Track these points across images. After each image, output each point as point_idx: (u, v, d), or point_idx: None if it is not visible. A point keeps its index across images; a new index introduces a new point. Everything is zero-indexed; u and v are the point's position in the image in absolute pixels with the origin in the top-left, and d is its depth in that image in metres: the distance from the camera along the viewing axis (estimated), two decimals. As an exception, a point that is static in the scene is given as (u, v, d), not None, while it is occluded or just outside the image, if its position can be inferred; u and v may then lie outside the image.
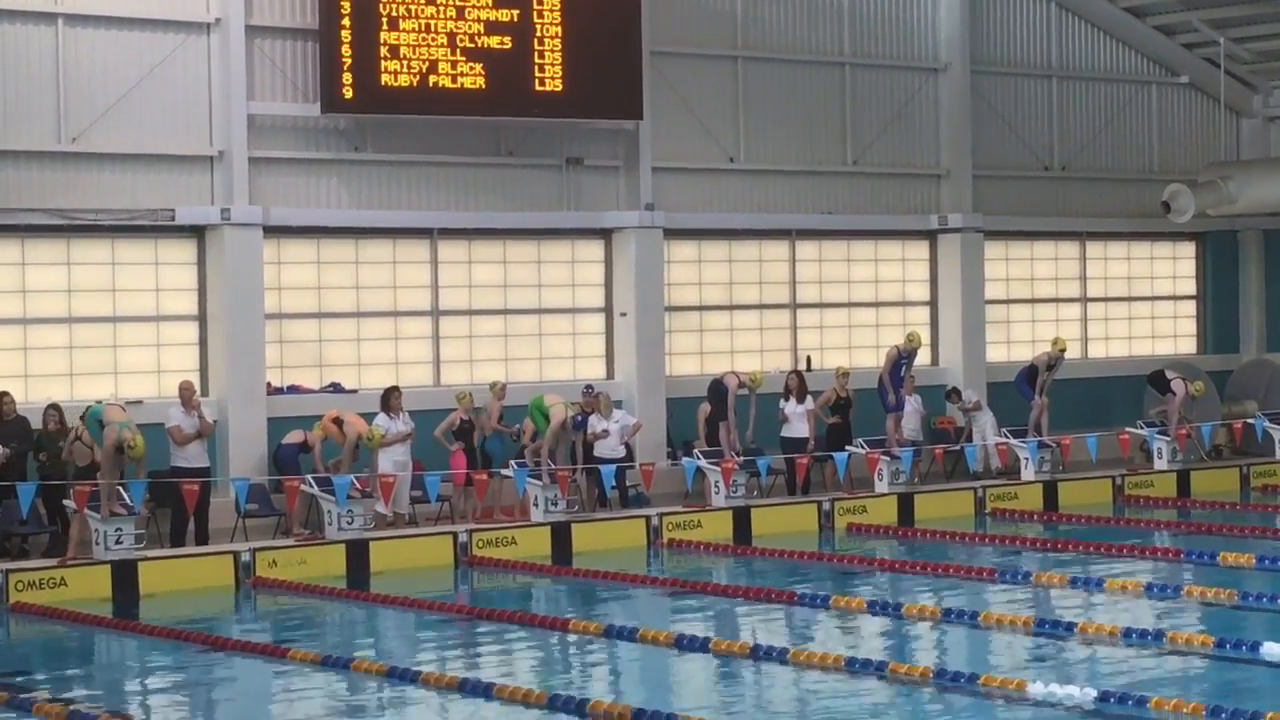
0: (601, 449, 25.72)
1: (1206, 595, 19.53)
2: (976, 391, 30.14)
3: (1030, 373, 29.41)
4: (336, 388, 26.12)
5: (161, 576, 21.41)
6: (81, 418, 22.67)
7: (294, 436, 24.38)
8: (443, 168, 27.18)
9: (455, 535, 23.28)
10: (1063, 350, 29.48)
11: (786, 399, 27.52)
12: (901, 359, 28.24)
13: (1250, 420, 30.11)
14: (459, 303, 27.52)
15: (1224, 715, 13.97)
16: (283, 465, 24.16)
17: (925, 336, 31.73)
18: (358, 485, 23.18)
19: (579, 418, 25.70)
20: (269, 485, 24.15)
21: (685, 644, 17.41)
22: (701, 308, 29.79)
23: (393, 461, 24.21)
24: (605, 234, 28.53)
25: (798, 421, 27.36)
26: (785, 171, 30.37)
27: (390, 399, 24.71)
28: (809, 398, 27.50)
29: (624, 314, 28.34)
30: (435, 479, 23.84)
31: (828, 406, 28.02)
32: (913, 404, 29.00)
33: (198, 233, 25.35)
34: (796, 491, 26.83)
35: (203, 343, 25.43)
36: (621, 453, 25.91)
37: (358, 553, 22.62)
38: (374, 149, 26.66)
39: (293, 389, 25.95)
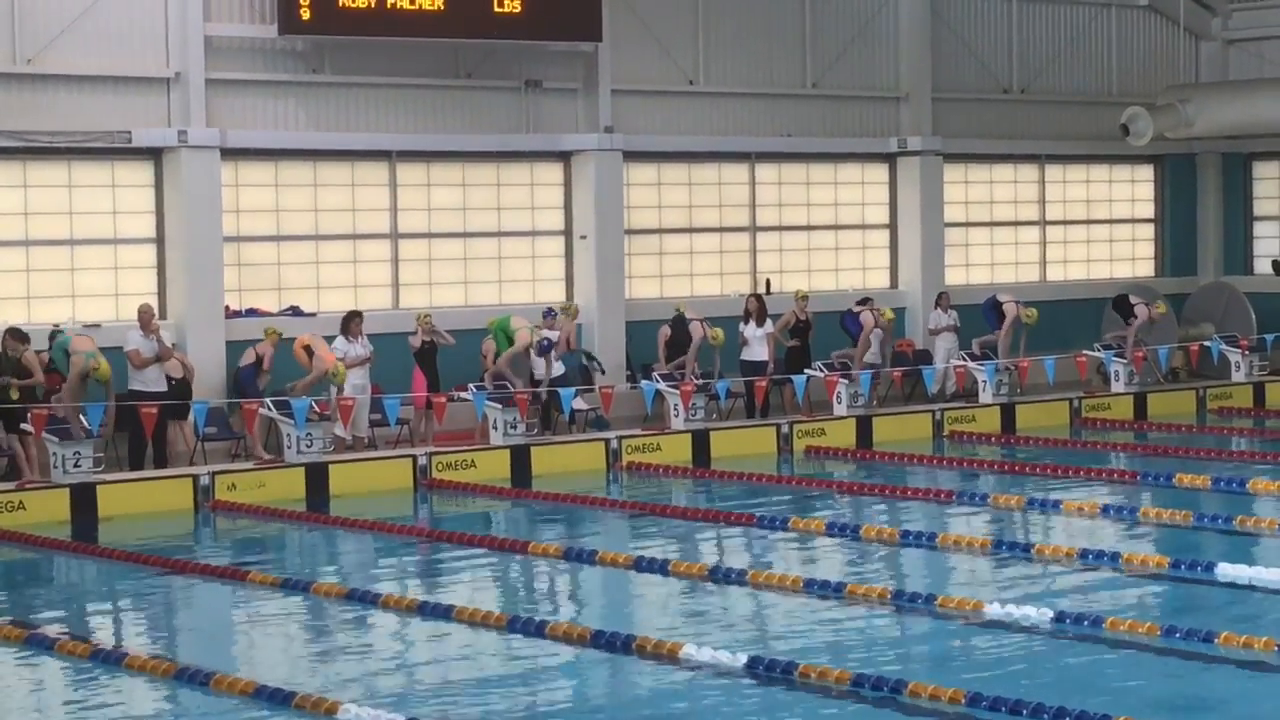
0: (541, 370, 25.64)
1: (1162, 516, 19.66)
2: (951, 316, 30.07)
3: (995, 304, 29.51)
4: (295, 311, 26.05)
5: (120, 500, 21.39)
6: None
7: (248, 356, 24.32)
8: (401, 90, 27.05)
9: (415, 458, 23.30)
10: (1029, 320, 29.33)
11: (745, 322, 27.55)
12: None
13: (1206, 343, 30.24)
14: (418, 226, 27.44)
15: (1178, 635, 14.11)
16: (243, 387, 24.11)
17: (884, 259, 31.84)
18: (317, 408, 23.15)
19: (545, 343, 25.65)
20: (228, 408, 24.10)
21: (644, 566, 17.49)
22: (661, 231, 29.76)
23: (350, 385, 24.15)
24: (564, 157, 28.45)
25: (757, 344, 27.40)
26: (745, 94, 30.30)
27: (350, 324, 24.63)
28: (768, 320, 27.55)
29: (584, 237, 28.29)
30: (394, 402, 23.82)
31: (787, 329, 28.07)
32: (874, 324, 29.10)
33: (155, 155, 25.19)
34: (755, 414, 26.89)
35: (160, 266, 25.29)
36: (560, 370, 25.82)
37: (317, 476, 22.63)
38: (332, 71, 26.51)
39: (251, 312, 25.86)
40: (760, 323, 27.46)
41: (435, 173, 27.56)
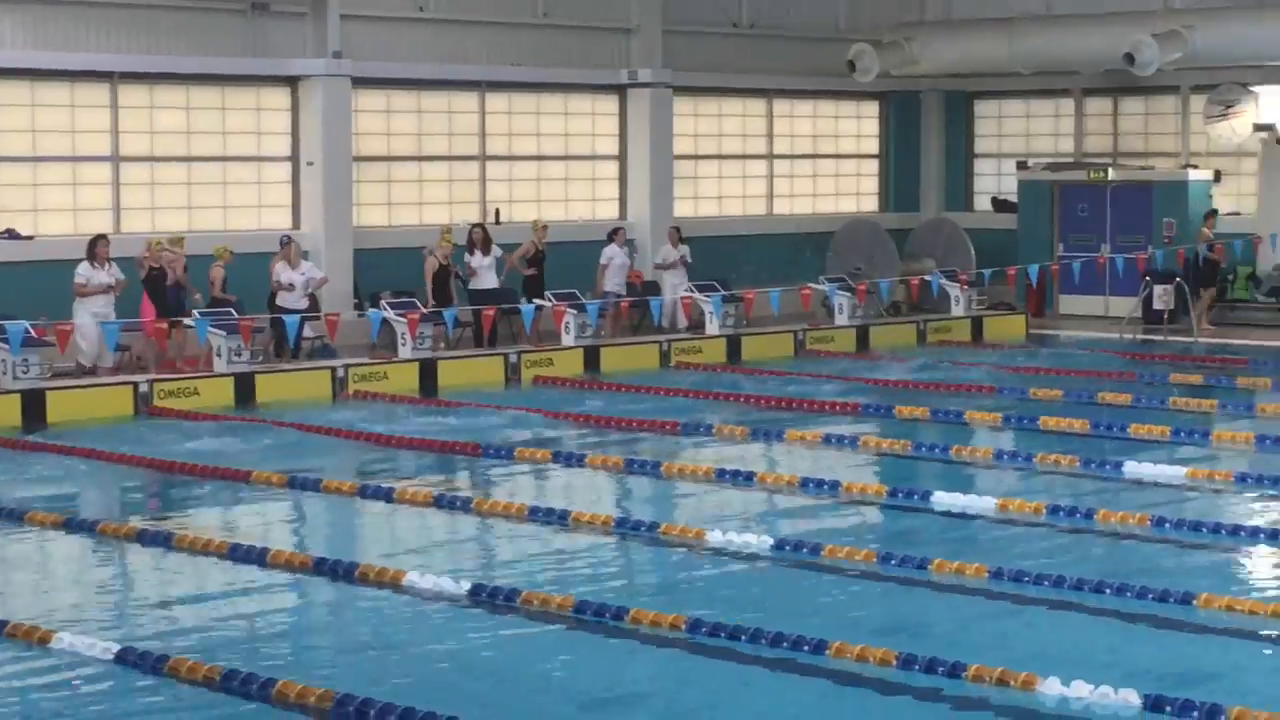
0: (285, 300, 25.40)
1: (882, 446, 20.03)
2: (681, 251, 30.25)
3: None
4: (11, 234, 25.41)
5: None
6: None
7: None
8: (123, 9, 26.44)
9: (135, 385, 22.87)
10: None
11: (471, 252, 27.45)
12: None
13: (927, 277, 30.80)
14: (140, 149, 26.90)
15: (894, 561, 14.39)
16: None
17: (614, 191, 31.94)
18: (33, 333, 22.59)
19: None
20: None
21: (369, 493, 17.40)
22: (390, 158, 29.53)
23: (91, 313, 23.63)
24: (291, 82, 28.04)
25: (484, 274, 27.33)
26: (475, 22, 30.12)
27: (96, 247, 24.03)
28: (494, 248, 27.48)
29: (310, 163, 27.96)
30: (114, 328, 23.34)
31: (524, 259, 28.13)
32: (621, 255, 29.24)
33: None
34: (484, 343, 26.84)
35: None
36: (304, 304, 25.59)
37: (34, 402, 22.11)
38: (51, -12, 25.87)
39: (-35, 235, 25.22)
40: (486, 252, 27.39)
41: (158, 95, 27.02)
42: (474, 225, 28.20)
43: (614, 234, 29.40)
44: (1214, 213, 31.64)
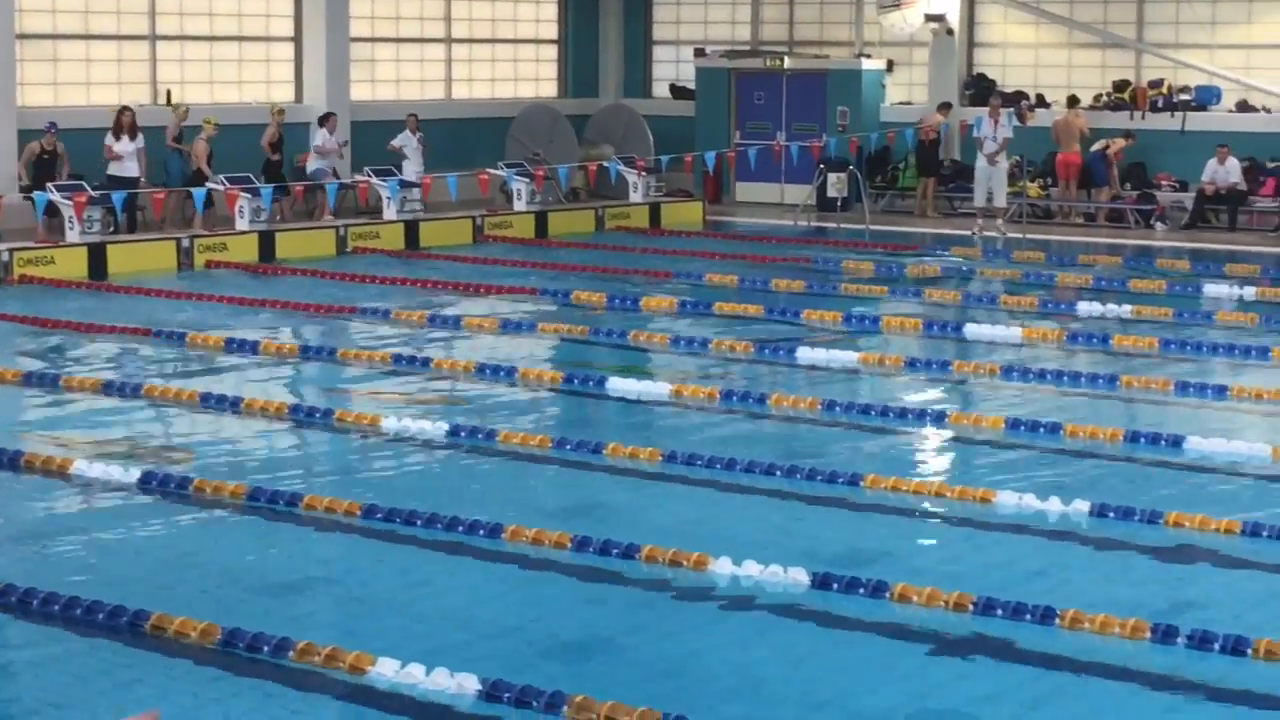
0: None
1: (560, 332, 20.09)
2: (418, 138, 29.86)
3: None
4: None
5: None
6: None
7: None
8: None
9: None
10: None
11: (117, 137, 26.56)
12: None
13: (606, 163, 30.89)
14: None
15: (569, 446, 14.46)
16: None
17: (289, 73, 31.41)
18: None
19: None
20: None
21: (34, 380, 16.99)
22: (55, 36, 28.63)
23: None
24: (-50, -46, 27.05)
25: (127, 160, 26.56)
26: (142, -106, 29.35)
27: None
28: (140, 135, 26.67)
29: (-28, 40, 27.01)
30: None
31: (269, 145, 27.87)
32: (332, 141, 28.88)
33: None
34: (136, 229, 26.17)
35: None
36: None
37: None
38: None
39: None
40: (132, 138, 26.58)
41: None
42: (122, 109, 27.18)
43: (325, 119, 29.03)
44: (947, 105, 32.28)
